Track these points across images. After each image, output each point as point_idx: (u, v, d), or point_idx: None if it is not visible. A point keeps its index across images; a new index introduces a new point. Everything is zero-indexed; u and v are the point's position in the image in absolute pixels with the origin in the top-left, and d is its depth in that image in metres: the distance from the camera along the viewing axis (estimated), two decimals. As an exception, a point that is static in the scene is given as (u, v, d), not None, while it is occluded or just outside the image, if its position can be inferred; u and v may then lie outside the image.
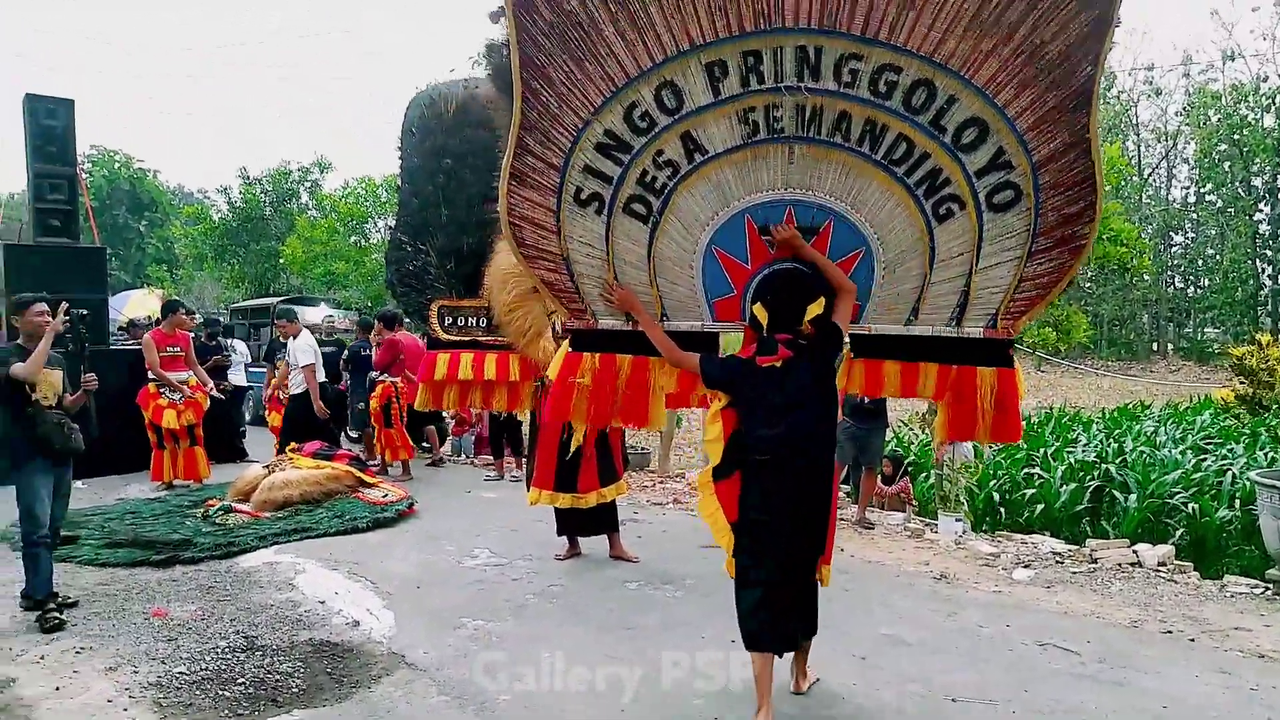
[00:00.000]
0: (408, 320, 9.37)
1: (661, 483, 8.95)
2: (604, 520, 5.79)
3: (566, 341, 3.92)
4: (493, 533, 6.53)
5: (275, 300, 16.19)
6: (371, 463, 9.03)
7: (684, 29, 3.12)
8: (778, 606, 3.39)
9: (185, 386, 8.30)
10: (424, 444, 11.17)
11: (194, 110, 71.45)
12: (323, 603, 4.93)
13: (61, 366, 4.90)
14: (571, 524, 5.80)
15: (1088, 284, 21.55)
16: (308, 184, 24.61)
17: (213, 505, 6.98)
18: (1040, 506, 8.06)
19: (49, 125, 9.58)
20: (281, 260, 20.95)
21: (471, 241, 5.62)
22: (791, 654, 3.64)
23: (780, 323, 3.38)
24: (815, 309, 3.34)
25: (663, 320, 3.69)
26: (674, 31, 3.12)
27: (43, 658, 4.12)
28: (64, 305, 4.87)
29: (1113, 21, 2.96)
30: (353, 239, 19.50)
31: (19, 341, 4.76)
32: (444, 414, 11.14)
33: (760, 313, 3.42)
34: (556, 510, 5.73)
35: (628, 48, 3.17)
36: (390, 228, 7.20)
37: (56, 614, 4.52)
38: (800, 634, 3.56)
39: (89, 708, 3.59)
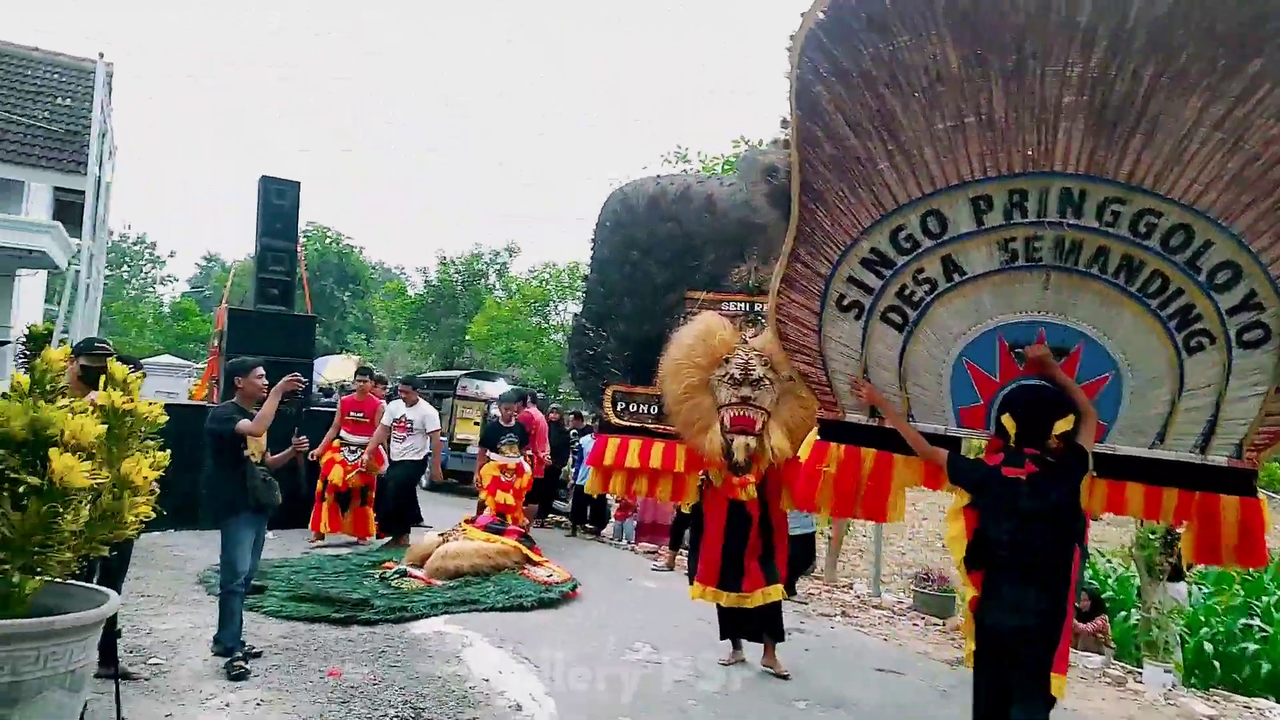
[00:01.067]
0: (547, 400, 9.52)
1: (829, 591, 8.54)
2: (768, 622, 5.52)
3: (815, 430, 4.30)
4: (655, 626, 6.39)
5: (459, 373, 16.97)
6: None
7: (954, 168, 3.40)
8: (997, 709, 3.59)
9: (363, 454, 8.69)
10: (586, 524, 11.27)
11: (395, 192, 77.13)
12: (487, 680, 4.93)
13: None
14: (734, 625, 5.59)
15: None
16: (497, 266, 26.08)
17: (389, 568, 7.22)
18: (1265, 666, 7.09)
19: (278, 204, 10.61)
20: (468, 336, 22.10)
21: (650, 331, 5.60)
22: None
23: (1028, 436, 3.53)
24: (1063, 425, 3.53)
25: (909, 420, 4.00)
26: (944, 169, 3.42)
27: (227, 705, 4.29)
28: (295, 374, 5.22)
29: None
30: (534, 319, 20.35)
31: (236, 401, 5.11)
32: (607, 496, 11.22)
33: (1009, 424, 3.58)
34: (719, 609, 5.55)
35: (900, 180, 3.52)
36: (575, 314, 7.02)
37: (243, 663, 4.72)
38: None
39: (266, 762, 3.68)
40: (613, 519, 11.49)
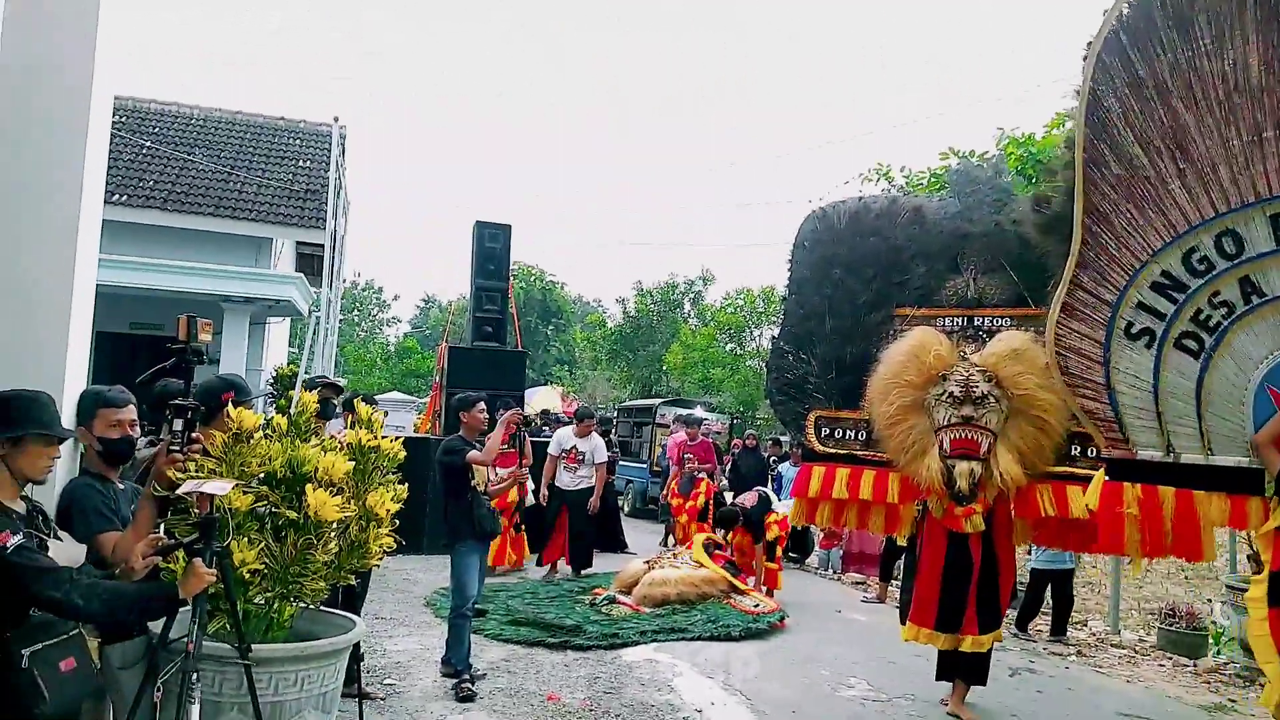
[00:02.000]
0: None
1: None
2: (972, 664, 5.05)
3: (1102, 470, 4.14)
4: (870, 662, 6.15)
5: (657, 401, 17.24)
6: None
7: (1251, 185, 3.33)
8: None
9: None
10: (790, 554, 11.07)
11: (598, 235, 79.83)
12: (700, 711, 4.91)
13: None
14: (952, 666, 5.18)
15: None
16: (692, 294, 26.43)
17: (599, 594, 7.40)
18: None
19: (491, 247, 11.29)
20: (664, 365, 22.48)
21: (854, 351, 5.32)
22: None
23: None
24: None
25: (1208, 455, 3.79)
26: (1240, 187, 3.35)
27: (458, 725, 4.52)
28: (516, 408, 5.52)
29: None
30: (729, 346, 20.40)
31: (461, 434, 5.42)
32: (812, 526, 10.99)
33: None
34: (940, 651, 5.19)
35: (1191, 199, 3.46)
36: (773, 338, 6.73)
37: (470, 685, 4.96)
38: None
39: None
40: (817, 548, 11.21)
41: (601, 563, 9.11)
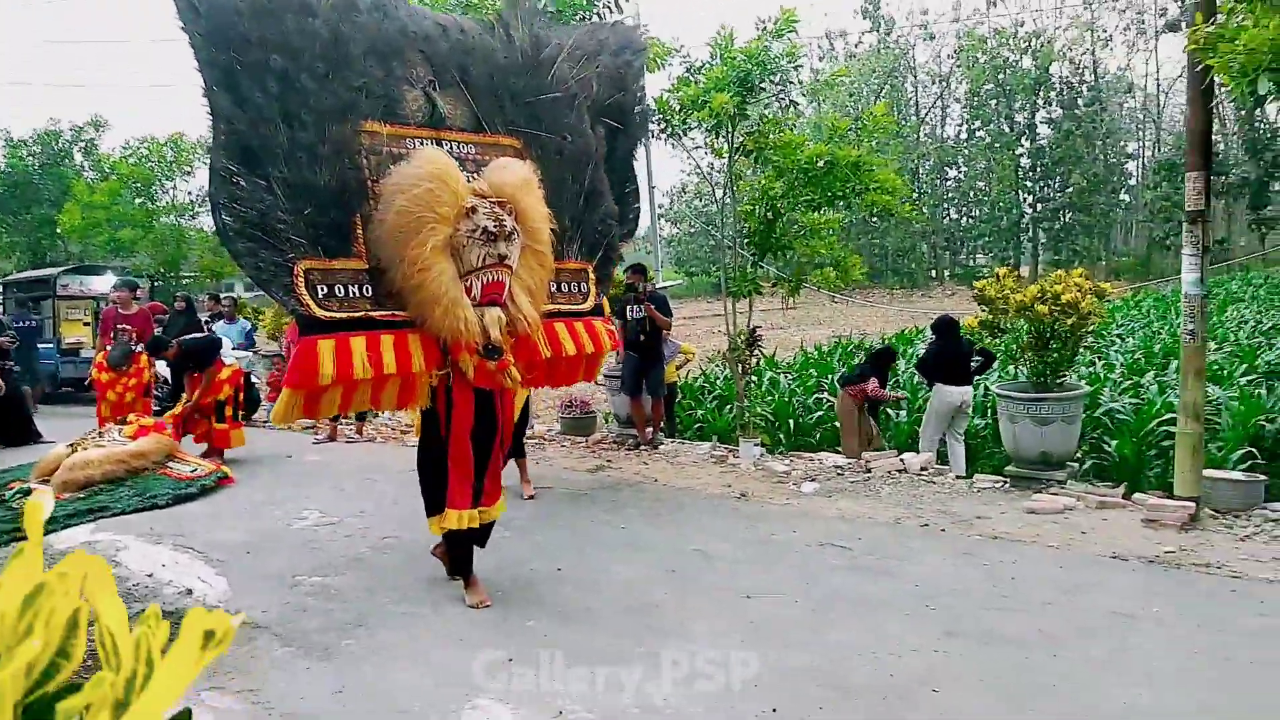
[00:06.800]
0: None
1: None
2: (483, 536, 4.54)
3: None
4: (322, 495, 6.64)
5: (56, 270, 15.03)
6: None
7: None
8: None
9: None
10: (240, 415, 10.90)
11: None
12: (150, 575, 4.95)
13: None
14: (462, 544, 4.44)
15: (872, 220, 23.45)
16: (83, 144, 22.54)
17: (13, 488, 6.69)
18: (827, 426, 9.01)
19: None
20: (60, 228, 19.27)
21: (329, 177, 3.93)
22: None
23: None
24: None
25: None
26: None
27: None
28: None
29: None
30: (138, 201, 18.18)
31: None
32: (255, 379, 10.88)
33: None
34: (451, 536, 4.39)
35: None
36: (208, 157, 4.47)
37: None
38: None
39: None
40: (264, 401, 11.16)
41: (19, 456, 8.18)
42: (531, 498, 6.30)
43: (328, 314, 3.85)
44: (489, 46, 4.75)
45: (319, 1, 4.10)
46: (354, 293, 3.97)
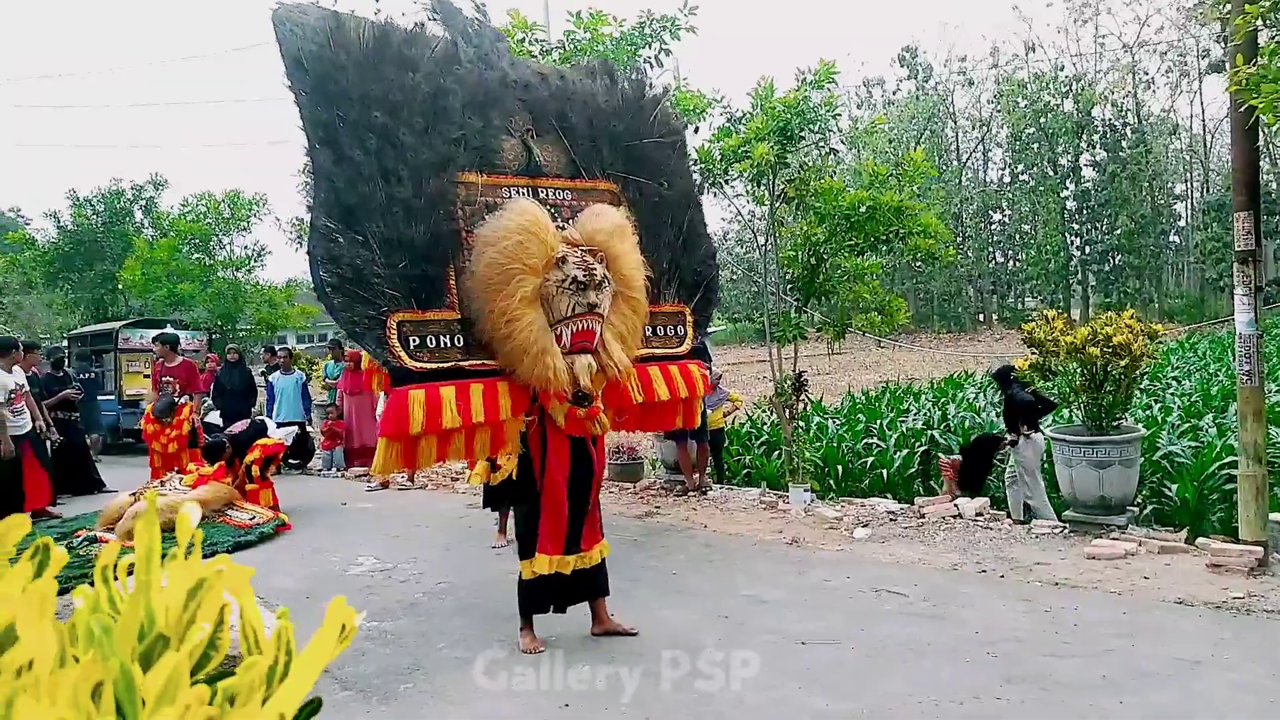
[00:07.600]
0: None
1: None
2: (599, 578, 4.57)
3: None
4: (376, 541, 6.74)
5: (118, 325, 15.55)
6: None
7: None
8: None
9: None
10: (290, 460, 11.12)
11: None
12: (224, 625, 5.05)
13: None
14: (562, 592, 4.42)
15: (916, 264, 23.41)
16: (142, 202, 23.46)
17: (80, 536, 6.89)
18: (878, 472, 8.92)
19: None
20: (121, 283, 19.97)
21: (422, 230, 3.94)
22: None
23: None
24: None
25: None
26: None
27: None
28: None
29: None
30: (195, 256, 18.82)
31: None
32: (308, 426, 11.12)
33: None
34: (531, 583, 4.35)
35: None
36: (308, 213, 4.07)
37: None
38: None
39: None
40: (319, 450, 11.39)
41: (82, 505, 8.42)
42: None
43: (419, 365, 3.86)
44: (589, 91, 4.73)
45: (421, 55, 4.10)
46: (445, 343, 3.99)
